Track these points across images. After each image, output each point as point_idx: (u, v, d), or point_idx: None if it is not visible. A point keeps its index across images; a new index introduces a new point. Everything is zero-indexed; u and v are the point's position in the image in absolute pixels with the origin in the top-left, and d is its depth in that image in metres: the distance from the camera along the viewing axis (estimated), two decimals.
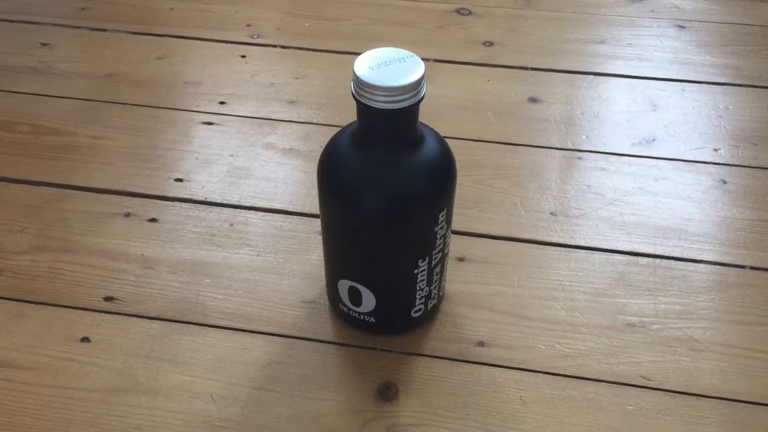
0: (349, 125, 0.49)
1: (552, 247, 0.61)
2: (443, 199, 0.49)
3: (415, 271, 0.50)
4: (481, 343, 0.55)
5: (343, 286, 0.52)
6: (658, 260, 0.60)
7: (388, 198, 0.47)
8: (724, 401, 0.51)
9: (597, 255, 0.61)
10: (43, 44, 0.83)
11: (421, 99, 0.45)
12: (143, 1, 0.89)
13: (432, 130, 0.49)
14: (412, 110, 0.45)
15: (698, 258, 0.60)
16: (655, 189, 0.66)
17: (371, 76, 0.44)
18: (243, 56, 0.81)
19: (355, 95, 0.45)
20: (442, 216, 0.49)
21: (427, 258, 0.50)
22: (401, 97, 0.44)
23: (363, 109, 0.45)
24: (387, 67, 0.44)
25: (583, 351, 0.54)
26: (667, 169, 0.68)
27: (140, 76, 0.79)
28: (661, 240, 0.62)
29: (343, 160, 0.48)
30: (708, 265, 0.60)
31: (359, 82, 0.44)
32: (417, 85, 0.44)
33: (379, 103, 0.44)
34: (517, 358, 0.54)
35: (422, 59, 0.45)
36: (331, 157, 0.49)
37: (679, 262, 0.60)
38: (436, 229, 0.49)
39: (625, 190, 0.66)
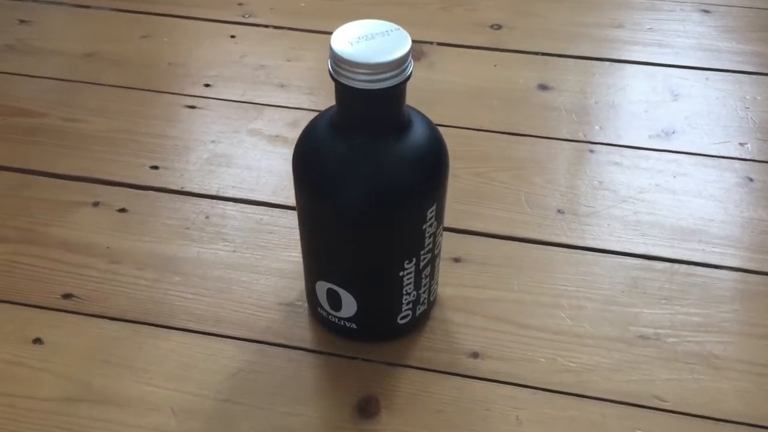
0: (329, 108, 0.44)
1: (558, 248, 0.55)
2: (433, 192, 0.43)
3: (401, 274, 0.45)
4: (475, 354, 0.49)
5: (321, 288, 0.47)
6: (675, 265, 0.54)
7: (369, 190, 0.42)
8: (747, 426, 0.45)
9: (608, 258, 0.55)
10: (22, 21, 0.78)
11: (408, 78, 0.39)
12: None
13: (421, 114, 0.44)
14: (398, 91, 0.40)
15: (720, 263, 0.54)
16: (674, 186, 0.60)
17: (350, 51, 0.38)
18: (233, 36, 0.76)
19: (333, 74, 0.39)
20: (432, 212, 0.43)
21: (414, 259, 0.45)
22: (384, 75, 0.38)
23: (342, 89, 0.40)
24: (368, 41, 0.39)
25: (588, 366, 0.48)
26: (688, 164, 0.62)
27: (122, 56, 0.73)
28: (680, 242, 0.56)
29: (319, 147, 0.43)
30: (731, 272, 0.54)
31: (337, 59, 0.38)
32: (403, 61, 0.39)
33: (360, 82, 0.38)
34: (514, 372, 0.48)
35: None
36: (306, 144, 0.43)
37: (698, 268, 0.54)
38: (424, 226, 0.44)
39: (641, 187, 0.60)
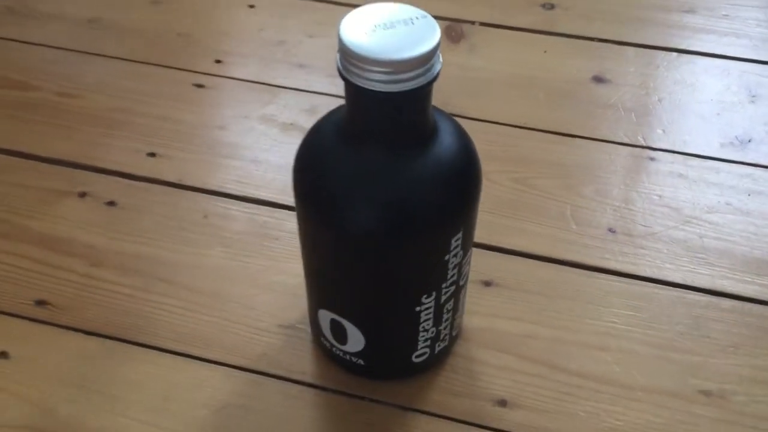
0: (336, 110, 0.36)
1: (607, 276, 0.47)
2: (460, 218, 0.35)
3: (418, 309, 0.37)
4: (503, 402, 0.42)
5: (324, 317, 0.40)
6: (747, 304, 0.46)
7: (382, 215, 0.34)
8: None
9: (666, 291, 0.47)
10: None
11: (435, 78, 0.32)
12: None
13: (450, 119, 0.36)
14: (422, 94, 0.32)
15: None
16: (748, 206, 0.51)
17: (365, 44, 0.30)
18: (252, 6, 0.68)
19: (342, 71, 0.32)
20: (457, 240, 0.36)
21: (434, 293, 0.37)
22: (406, 75, 0.31)
23: (353, 91, 0.32)
24: (387, 31, 0.31)
25: (638, 425, 0.41)
26: (766, 180, 0.53)
27: (128, 24, 0.66)
28: (753, 277, 0.47)
29: (324, 161, 0.35)
30: None
31: (347, 53, 0.31)
32: (429, 58, 0.31)
33: (376, 83, 0.31)
34: (548, 426, 0.41)
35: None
36: (308, 156, 0.36)
37: None
38: (447, 257, 0.36)
39: (709, 206, 0.51)
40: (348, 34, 0.31)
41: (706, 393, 0.42)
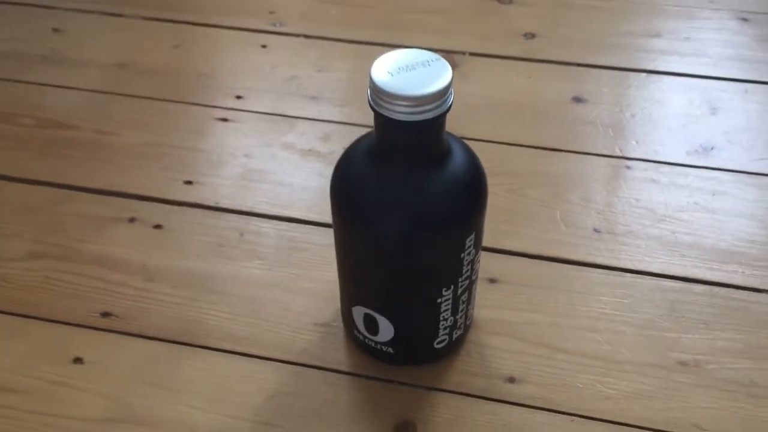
0: (366, 135, 0.43)
1: (594, 269, 0.55)
2: (472, 222, 0.43)
3: (439, 301, 0.45)
4: (511, 379, 0.49)
5: (358, 313, 0.47)
6: (715, 288, 0.53)
7: (409, 222, 0.41)
8: None
9: (645, 280, 0.54)
10: (55, 30, 0.78)
11: (449, 109, 0.39)
12: None
13: (461, 142, 0.43)
14: (438, 122, 0.39)
15: (762, 287, 0.53)
16: (713, 205, 0.59)
17: (391, 82, 0.38)
18: (264, 46, 0.76)
19: (373, 105, 0.39)
20: (470, 240, 0.43)
21: (452, 286, 0.44)
22: (426, 108, 0.38)
23: (381, 120, 0.39)
24: (409, 72, 0.39)
25: (627, 393, 0.48)
26: (727, 182, 0.61)
27: (153, 66, 0.73)
28: (719, 264, 0.55)
29: (358, 177, 0.42)
30: None
31: (377, 90, 0.38)
32: (444, 93, 0.38)
33: (401, 114, 0.38)
34: (551, 397, 0.48)
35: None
36: (345, 174, 0.43)
37: (739, 291, 0.53)
38: (462, 255, 0.43)
39: (679, 206, 0.59)
40: (377, 75, 0.38)
41: (683, 363, 0.49)
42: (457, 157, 0.42)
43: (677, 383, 0.48)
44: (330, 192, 0.44)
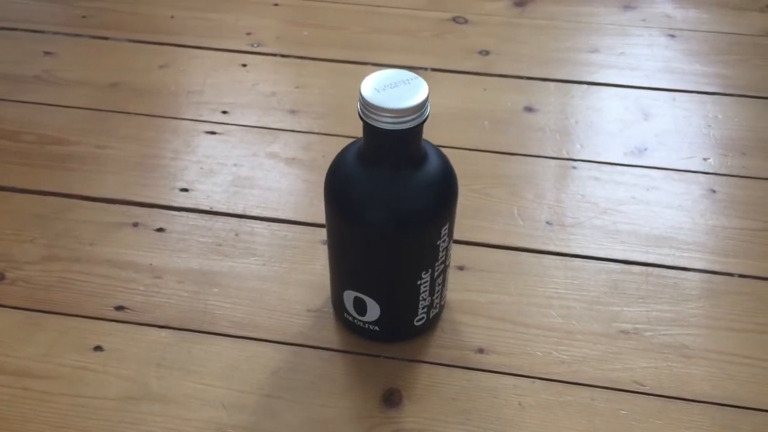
0: (354, 142, 0.51)
1: (548, 256, 0.63)
2: (446, 214, 0.51)
3: (419, 283, 0.52)
4: (481, 350, 0.57)
5: (349, 296, 0.54)
6: (650, 268, 0.62)
7: (394, 214, 0.49)
8: (714, 405, 0.53)
9: (592, 263, 0.63)
10: (46, 53, 0.84)
11: (426, 119, 0.47)
12: (144, 8, 0.90)
13: (434, 147, 0.51)
14: (417, 130, 0.47)
15: (689, 266, 0.62)
16: (647, 198, 0.68)
17: (378, 98, 0.46)
18: (244, 65, 0.83)
19: (362, 116, 0.47)
20: (445, 230, 0.51)
21: (429, 270, 0.52)
22: (407, 118, 0.46)
23: (369, 129, 0.47)
24: (393, 89, 0.46)
25: (578, 357, 0.56)
26: (659, 178, 0.70)
27: (144, 85, 0.80)
28: (654, 248, 0.64)
29: (350, 178, 0.50)
30: (698, 273, 0.62)
31: (366, 104, 0.46)
32: (422, 106, 0.46)
33: (386, 123, 0.46)
34: (515, 364, 0.56)
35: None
36: (338, 175, 0.50)
37: (670, 270, 0.62)
38: (438, 242, 0.51)
39: (619, 200, 0.68)
40: (366, 91, 0.46)
41: (625, 332, 0.58)
42: (432, 159, 0.50)
43: (620, 348, 0.57)
44: (324, 190, 0.51)
